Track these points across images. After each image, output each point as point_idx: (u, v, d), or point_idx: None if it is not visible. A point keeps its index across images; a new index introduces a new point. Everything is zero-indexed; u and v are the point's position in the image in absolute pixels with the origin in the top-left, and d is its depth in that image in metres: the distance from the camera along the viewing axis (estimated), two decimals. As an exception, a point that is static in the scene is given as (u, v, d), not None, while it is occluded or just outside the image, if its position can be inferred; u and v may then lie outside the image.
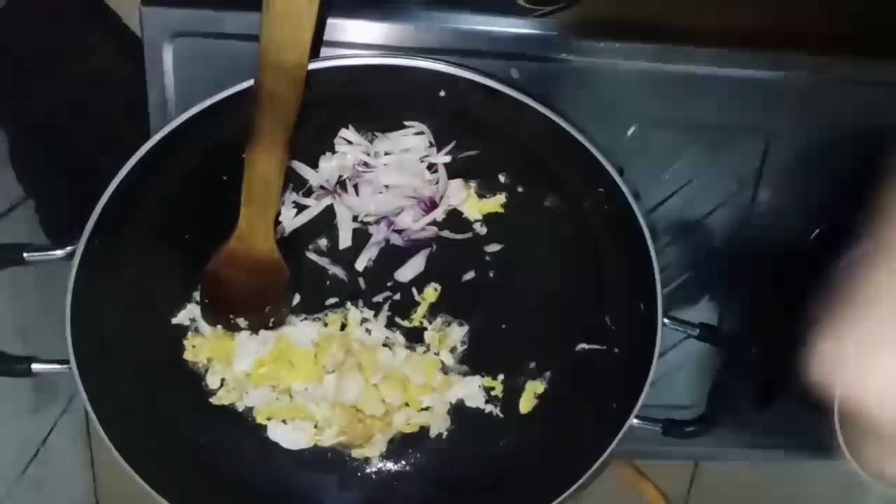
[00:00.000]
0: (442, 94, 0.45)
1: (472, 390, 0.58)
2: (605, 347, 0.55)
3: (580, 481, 0.54)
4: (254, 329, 0.54)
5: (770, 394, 0.58)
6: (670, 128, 0.53)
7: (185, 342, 0.54)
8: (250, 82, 0.41)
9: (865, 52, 0.52)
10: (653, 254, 0.47)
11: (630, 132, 0.52)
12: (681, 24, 0.51)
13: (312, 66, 0.41)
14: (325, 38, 0.48)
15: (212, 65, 0.48)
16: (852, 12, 0.53)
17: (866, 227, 0.56)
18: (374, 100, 0.48)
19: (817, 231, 0.58)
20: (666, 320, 0.50)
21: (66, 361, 0.47)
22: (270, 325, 0.54)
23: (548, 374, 0.57)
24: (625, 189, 0.45)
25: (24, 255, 0.45)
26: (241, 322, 0.53)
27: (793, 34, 0.52)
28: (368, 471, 0.59)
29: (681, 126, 0.53)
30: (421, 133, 0.49)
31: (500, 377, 0.57)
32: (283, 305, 0.53)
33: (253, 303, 0.52)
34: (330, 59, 0.42)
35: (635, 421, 0.52)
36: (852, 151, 0.56)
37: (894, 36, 0.52)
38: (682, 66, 0.51)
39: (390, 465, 0.59)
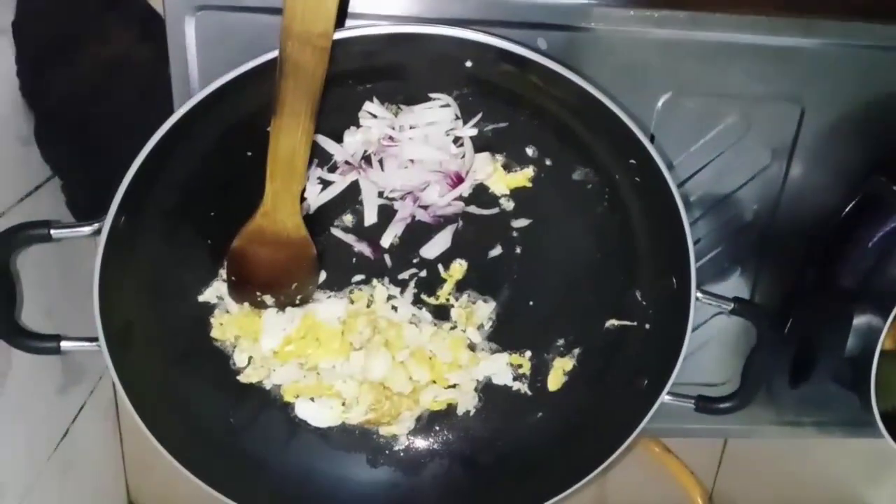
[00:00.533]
0: (468, 64, 0.45)
1: (500, 367, 0.57)
2: (635, 323, 0.54)
3: (610, 459, 0.53)
4: (281, 306, 0.53)
5: (805, 369, 0.57)
6: (702, 97, 0.51)
7: (212, 320, 0.54)
8: (274, 54, 0.41)
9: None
10: (686, 225, 0.46)
11: (661, 102, 0.51)
12: (713, -11, 0.50)
13: (338, 35, 0.40)
14: (349, 10, 0.47)
15: (234, 39, 0.47)
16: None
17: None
18: (399, 72, 0.47)
19: (852, 203, 0.57)
20: (699, 294, 0.49)
21: (94, 339, 0.47)
22: (297, 302, 0.53)
23: (577, 350, 0.56)
24: (658, 158, 0.43)
25: (51, 231, 0.45)
26: (268, 299, 0.53)
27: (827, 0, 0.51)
28: (396, 448, 0.58)
29: (713, 95, 0.51)
30: (447, 106, 0.49)
31: (528, 354, 0.57)
32: (310, 282, 0.53)
33: (280, 280, 0.52)
34: (356, 29, 0.42)
35: (667, 397, 0.51)
36: (888, 121, 0.54)
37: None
38: (714, 33, 0.49)
39: (418, 443, 0.58)
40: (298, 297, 0.53)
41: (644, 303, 0.53)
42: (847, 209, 0.57)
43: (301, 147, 0.44)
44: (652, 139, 0.44)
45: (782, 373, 0.59)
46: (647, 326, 0.53)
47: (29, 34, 0.56)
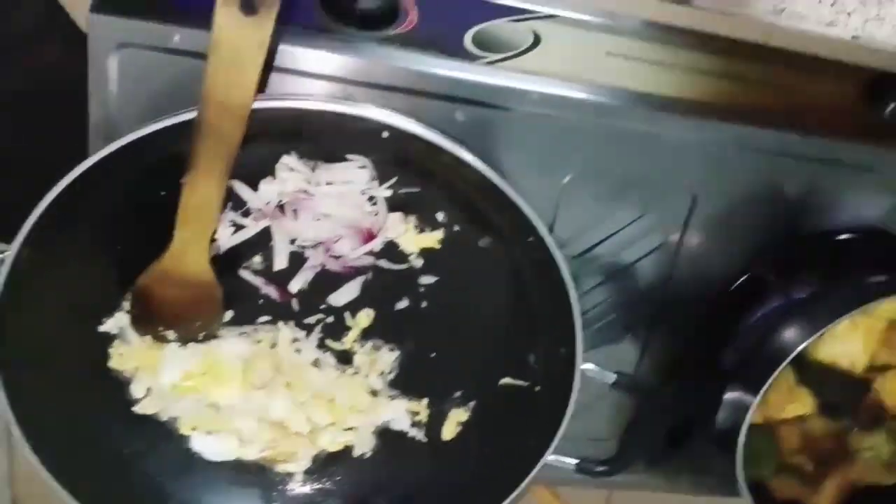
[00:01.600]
0: (385, 135, 0.47)
1: (398, 413, 0.59)
2: (527, 384, 0.57)
3: (495, 510, 0.56)
4: (183, 341, 0.54)
5: (680, 437, 0.61)
6: (603, 179, 0.55)
7: (112, 350, 0.54)
8: (194, 113, 0.42)
9: (789, 128, 0.55)
10: (575, 304, 0.49)
11: (566, 180, 0.54)
12: (621, 85, 0.53)
13: (257, 104, 0.42)
14: (276, 64, 0.48)
15: (158, 78, 0.47)
16: (779, 86, 0.56)
17: (779, 284, 0.60)
18: (319, 136, 0.48)
19: (735, 285, 0.61)
20: (585, 366, 0.52)
21: (-13, 365, 0.47)
22: (200, 338, 0.54)
23: (472, 403, 0.59)
24: (552, 247, 0.47)
25: (-51, 259, 0.45)
26: (171, 334, 0.53)
27: (723, 104, 0.55)
28: (290, 486, 0.59)
29: (614, 179, 0.55)
30: (363, 167, 0.50)
31: (425, 402, 0.59)
32: (214, 321, 0.54)
33: (183, 317, 0.52)
34: (274, 100, 0.43)
35: (550, 458, 0.54)
36: (772, 215, 0.59)
37: (816, 114, 0.56)
38: (618, 122, 0.52)
39: (313, 482, 0.60)
40: (201, 333, 0.54)
41: (536, 366, 0.56)
42: (731, 290, 0.61)
43: (213, 201, 0.45)
44: (551, 228, 0.47)
45: (662, 439, 0.63)
46: (538, 389, 0.56)
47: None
